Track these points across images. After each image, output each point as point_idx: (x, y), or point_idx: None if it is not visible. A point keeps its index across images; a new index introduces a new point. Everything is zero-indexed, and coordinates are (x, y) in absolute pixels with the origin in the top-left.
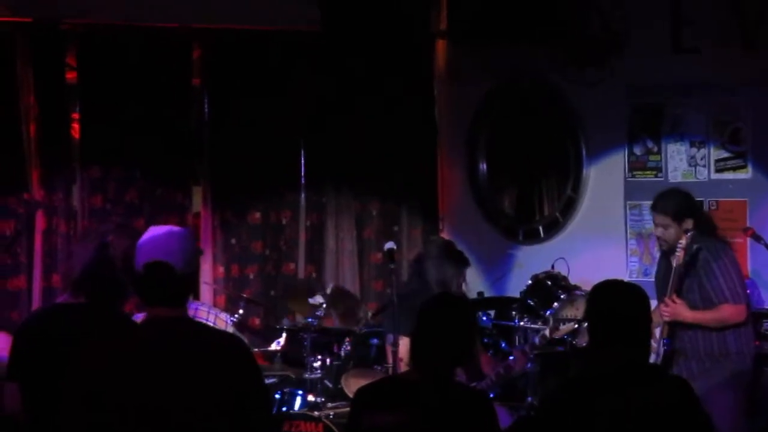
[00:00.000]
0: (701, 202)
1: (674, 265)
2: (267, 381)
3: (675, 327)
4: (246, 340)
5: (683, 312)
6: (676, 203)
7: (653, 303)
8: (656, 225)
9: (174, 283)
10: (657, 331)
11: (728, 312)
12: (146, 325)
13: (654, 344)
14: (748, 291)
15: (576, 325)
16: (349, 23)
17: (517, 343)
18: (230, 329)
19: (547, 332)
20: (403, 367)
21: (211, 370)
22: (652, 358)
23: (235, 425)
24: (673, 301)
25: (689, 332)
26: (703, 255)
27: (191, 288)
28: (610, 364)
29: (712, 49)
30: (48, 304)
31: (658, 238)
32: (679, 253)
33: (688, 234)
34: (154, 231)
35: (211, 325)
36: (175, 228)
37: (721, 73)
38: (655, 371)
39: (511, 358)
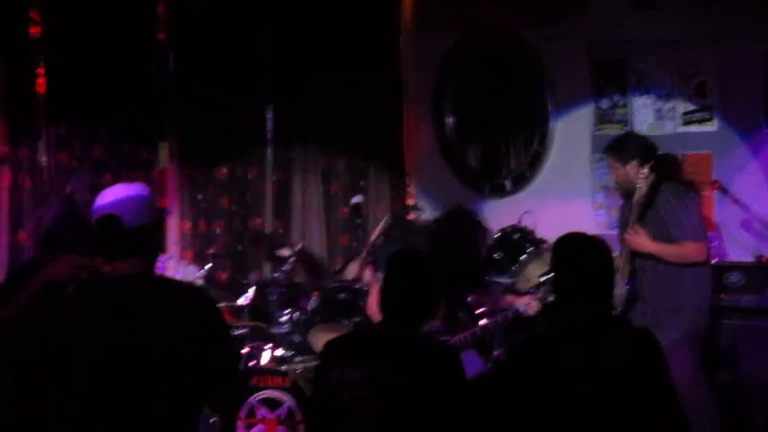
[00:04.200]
0: (668, 155)
1: (634, 200)
2: (235, 334)
3: (636, 269)
4: (212, 294)
5: (645, 242)
6: (620, 144)
7: (616, 252)
8: (609, 168)
9: (122, 235)
10: (618, 277)
11: (689, 248)
12: (110, 282)
13: (617, 284)
14: (713, 244)
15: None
16: None
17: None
18: (198, 282)
19: (535, 303)
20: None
21: (174, 321)
22: (616, 297)
23: (200, 372)
24: (635, 231)
25: (649, 274)
26: (664, 194)
27: (146, 241)
28: (574, 316)
29: (674, 3)
30: (30, 259)
31: (615, 183)
32: (639, 192)
33: (646, 176)
34: (109, 190)
35: (179, 277)
36: (133, 184)
37: (683, 27)
38: (619, 322)
39: (484, 321)
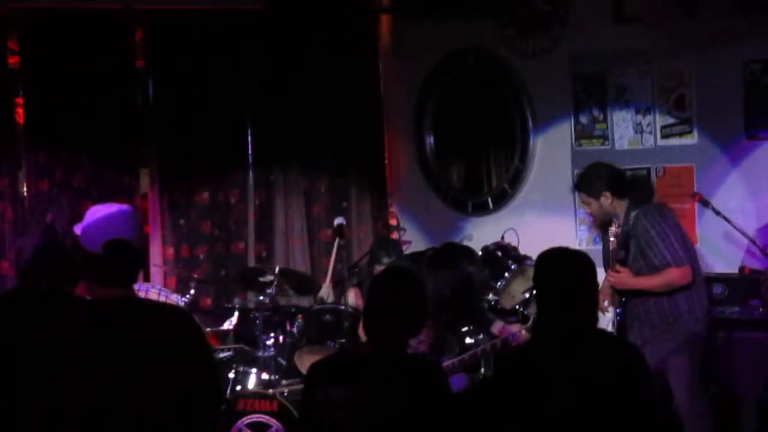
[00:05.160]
0: (648, 169)
1: (610, 239)
2: (220, 358)
3: (626, 295)
4: (196, 318)
5: (628, 280)
6: (588, 179)
7: (600, 271)
8: (581, 203)
9: (132, 260)
10: (607, 302)
11: (674, 275)
12: (97, 305)
13: (607, 314)
14: (696, 254)
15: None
16: (294, 1)
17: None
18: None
19: (524, 334)
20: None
21: (160, 345)
22: (608, 324)
23: (183, 398)
24: (617, 271)
25: (640, 298)
26: (641, 224)
27: (141, 265)
28: (556, 330)
29: (654, 17)
30: (10, 289)
31: (592, 217)
32: (613, 229)
33: (618, 217)
34: (101, 210)
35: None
36: (121, 206)
37: (663, 39)
38: (602, 336)
39: (479, 348)
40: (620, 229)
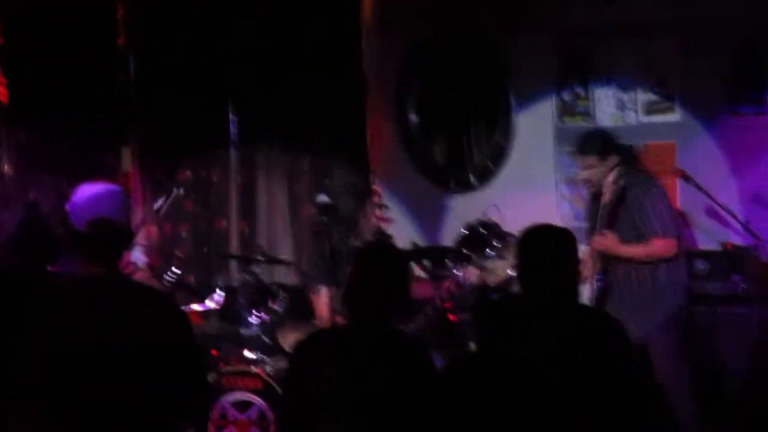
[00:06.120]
0: (630, 145)
1: (602, 202)
2: (204, 336)
3: (608, 262)
4: (179, 299)
5: (614, 245)
6: (599, 142)
7: (583, 247)
8: (583, 168)
9: (117, 238)
10: (588, 272)
11: (659, 246)
12: (80, 283)
13: (587, 276)
14: (681, 228)
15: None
16: None
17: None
18: (166, 285)
19: (472, 270)
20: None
21: (142, 326)
22: (587, 292)
23: (166, 379)
24: (603, 235)
25: (622, 266)
26: (633, 190)
27: (128, 244)
28: (536, 303)
29: None
30: None
31: (585, 180)
32: (607, 191)
33: (615, 171)
34: (90, 189)
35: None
36: (110, 185)
37: (647, 17)
38: (583, 308)
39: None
40: (611, 197)
